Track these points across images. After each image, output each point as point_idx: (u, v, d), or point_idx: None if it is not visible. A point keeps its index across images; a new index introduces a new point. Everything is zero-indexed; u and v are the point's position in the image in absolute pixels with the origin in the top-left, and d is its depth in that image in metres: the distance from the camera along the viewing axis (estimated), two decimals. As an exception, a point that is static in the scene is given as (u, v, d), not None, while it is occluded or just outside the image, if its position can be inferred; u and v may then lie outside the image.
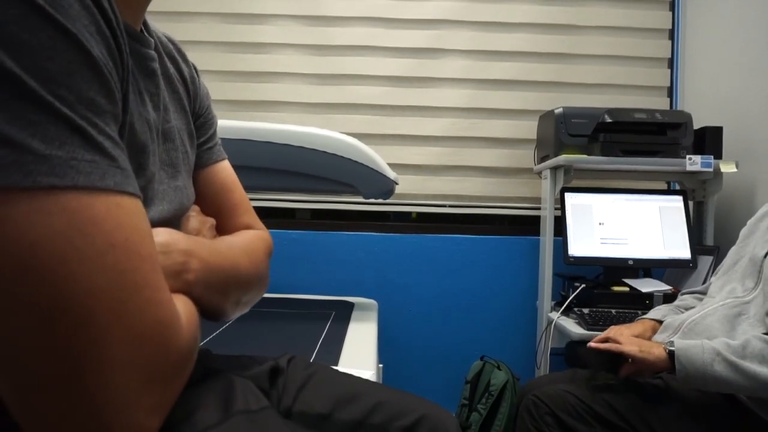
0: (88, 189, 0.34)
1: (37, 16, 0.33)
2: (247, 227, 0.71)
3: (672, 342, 1.08)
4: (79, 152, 0.34)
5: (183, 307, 0.45)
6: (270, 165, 1.51)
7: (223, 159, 0.74)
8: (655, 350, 1.09)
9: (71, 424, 0.34)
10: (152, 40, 0.57)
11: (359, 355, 1.21)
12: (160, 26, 0.64)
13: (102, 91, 0.36)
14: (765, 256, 1.14)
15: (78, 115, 0.34)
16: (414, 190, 2.17)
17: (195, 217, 0.64)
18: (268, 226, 0.74)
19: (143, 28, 0.56)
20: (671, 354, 1.06)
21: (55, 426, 0.34)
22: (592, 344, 1.17)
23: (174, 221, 0.58)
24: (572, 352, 1.23)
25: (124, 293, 0.35)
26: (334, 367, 0.85)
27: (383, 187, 1.60)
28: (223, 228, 0.68)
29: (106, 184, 0.35)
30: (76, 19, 0.35)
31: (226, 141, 1.41)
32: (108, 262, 0.35)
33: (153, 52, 0.56)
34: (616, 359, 1.15)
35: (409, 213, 2.26)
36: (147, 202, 0.51)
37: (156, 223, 0.48)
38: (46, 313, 0.32)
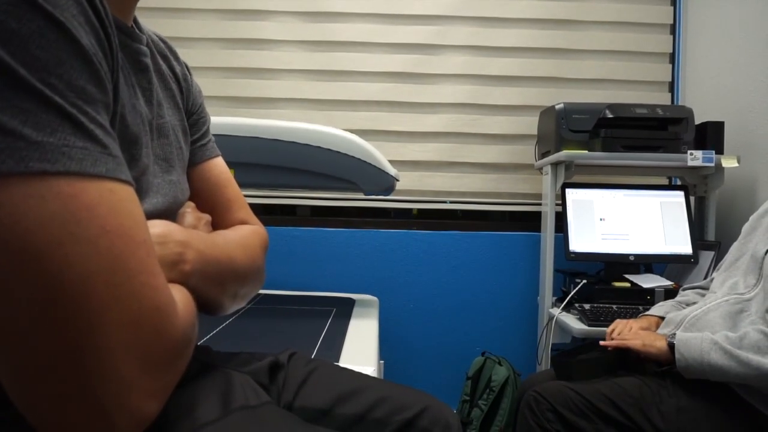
0: (81, 175, 0.34)
1: (26, 6, 0.33)
2: (243, 223, 0.72)
3: (674, 334, 1.10)
4: (70, 139, 0.34)
5: (179, 295, 0.46)
6: (270, 161, 1.51)
7: (217, 155, 0.75)
8: (657, 343, 1.13)
9: (69, 408, 0.35)
10: (144, 36, 0.57)
11: (360, 351, 1.21)
12: (159, 23, 0.65)
13: (92, 80, 0.37)
14: (766, 254, 1.14)
15: (69, 103, 0.35)
16: (415, 187, 2.17)
17: (191, 213, 0.64)
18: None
19: (134, 26, 0.56)
20: (672, 346, 1.09)
21: (52, 409, 0.34)
22: (602, 342, 1.22)
23: (168, 215, 0.58)
24: (560, 367, 1.25)
25: (119, 278, 0.36)
26: (335, 363, 0.85)
27: (384, 183, 1.60)
28: (218, 224, 0.69)
29: (98, 171, 0.36)
30: (64, 9, 0.35)
31: (226, 138, 1.42)
32: (102, 247, 0.35)
33: (145, 48, 0.57)
34: (613, 363, 1.18)
35: (410, 209, 2.26)
36: (141, 194, 0.51)
37: (150, 216, 0.48)
38: (41, 297, 0.33)
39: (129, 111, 0.50)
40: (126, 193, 0.38)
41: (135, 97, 0.53)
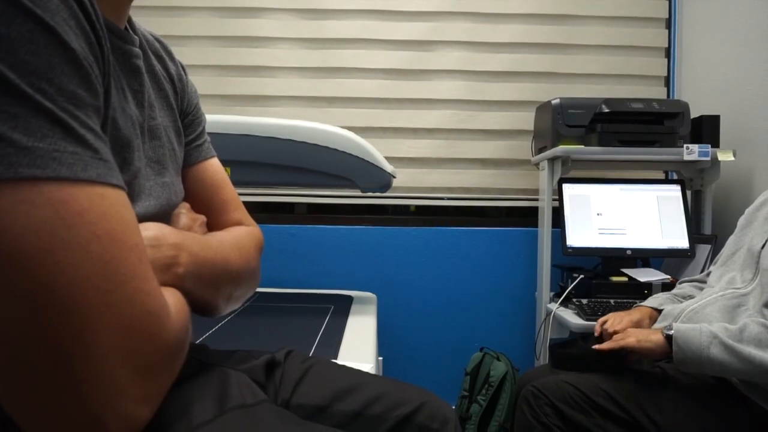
0: (71, 180, 0.34)
1: (16, 10, 0.33)
2: (238, 223, 0.72)
3: (671, 326, 1.08)
4: (60, 144, 0.34)
5: (172, 298, 0.45)
6: (267, 160, 1.51)
7: (212, 156, 0.75)
8: (653, 337, 1.10)
9: (59, 414, 0.34)
10: (137, 38, 0.57)
11: (359, 348, 1.21)
12: (154, 21, 0.65)
13: (83, 85, 0.37)
14: (762, 248, 1.14)
15: (59, 107, 0.34)
16: (412, 183, 2.17)
17: (185, 214, 0.64)
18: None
19: (128, 26, 0.56)
20: (669, 338, 1.06)
21: (43, 416, 0.34)
22: (596, 347, 1.19)
23: (162, 217, 0.58)
24: (560, 356, 1.25)
25: (111, 283, 0.35)
26: (333, 360, 0.85)
27: (381, 180, 1.60)
28: (213, 225, 0.69)
29: (89, 176, 0.35)
30: (55, 13, 0.35)
31: (222, 136, 1.42)
32: (93, 253, 0.35)
33: (137, 50, 0.56)
34: (614, 359, 1.17)
35: (408, 206, 2.26)
36: (133, 198, 0.51)
37: (143, 219, 0.48)
38: (32, 303, 0.32)
39: (120, 114, 0.50)
40: (117, 197, 0.38)
41: (125, 100, 0.53)
